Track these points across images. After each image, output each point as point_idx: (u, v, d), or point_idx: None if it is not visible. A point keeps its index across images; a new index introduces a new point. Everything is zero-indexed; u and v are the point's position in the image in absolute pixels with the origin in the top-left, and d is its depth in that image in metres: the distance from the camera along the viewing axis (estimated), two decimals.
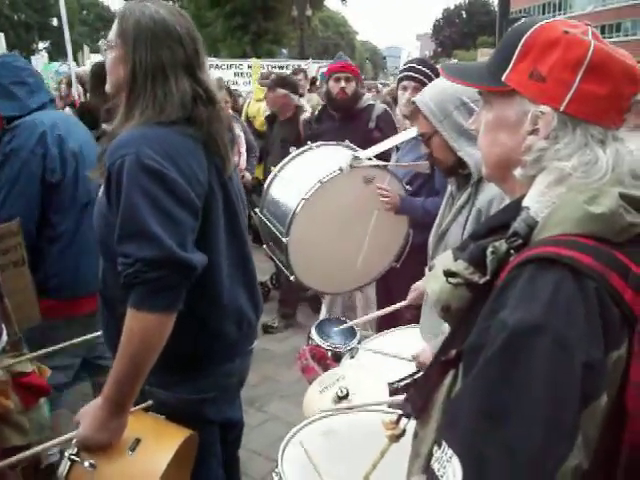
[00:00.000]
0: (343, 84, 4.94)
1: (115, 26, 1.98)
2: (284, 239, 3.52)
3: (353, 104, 4.97)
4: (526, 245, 1.08)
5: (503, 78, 1.18)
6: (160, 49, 1.91)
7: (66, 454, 1.82)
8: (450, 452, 0.97)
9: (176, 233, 1.79)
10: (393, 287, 3.83)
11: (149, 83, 1.91)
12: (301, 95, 7.99)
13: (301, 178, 3.67)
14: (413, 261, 3.58)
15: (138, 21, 1.92)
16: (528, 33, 1.16)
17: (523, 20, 1.22)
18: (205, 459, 2.11)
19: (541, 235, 1.07)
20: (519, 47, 1.16)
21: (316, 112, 5.88)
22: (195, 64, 1.98)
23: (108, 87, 2.04)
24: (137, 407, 1.94)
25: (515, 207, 1.16)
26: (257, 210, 3.98)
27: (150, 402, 1.99)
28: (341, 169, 3.47)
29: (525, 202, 1.13)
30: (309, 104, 7.00)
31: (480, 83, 1.25)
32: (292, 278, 3.69)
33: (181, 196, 1.83)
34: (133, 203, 1.78)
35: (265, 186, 3.95)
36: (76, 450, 1.82)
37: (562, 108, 1.11)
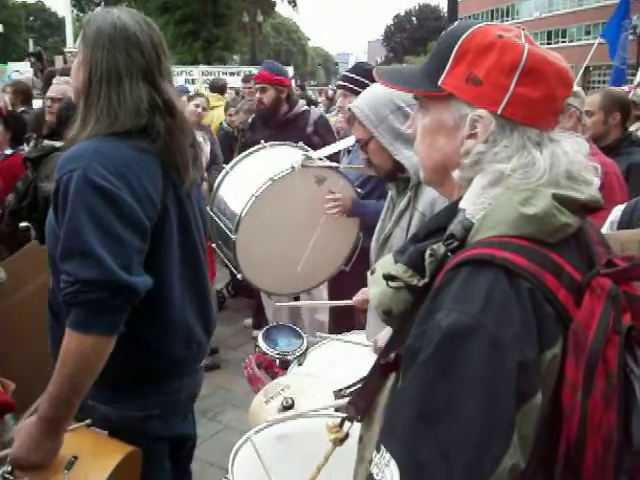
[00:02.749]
0: (258, 95, 5.05)
1: (80, 33, 1.96)
2: (232, 236, 3.48)
3: (274, 112, 5.01)
4: (462, 247, 1.09)
5: (439, 82, 1.18)
6: (117, 53, 1.87)
7: (0, 472, 1.77)
8: (388, 456, 0.97)
9: (120, 255, 1.73)
10: (344, 290, 3.84)
11: (104, 87, 1.87)
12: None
13: (252, 175, 3.64)
14: (363, 264, 3.59)
15: (99, 27, 1.90)
16: (463, 37, 1.16)
17: (456, 24, 1.22)
18: (154, 474, 2.06)
19: (477, 237, 1.08)
20: (454, 51, 1.16)
21: (249, 120, 5.92)
22: (156, 71, 1.94)
23: (72, 94, 2.01)
24: (76, 425, 1.89)
25: (453, 209, 1.16)
26: (207, 208, 3.93)
27: (89, 421, 1.94)
28: (293, 167, 3.46)
29: (462, 204, 1.13)
30: None
31: (416, 88, 1.24)
32: (239, 277, 3.65)
33: (129, 216, 1.77)
34: (77, 221, 1.73)
35: (216, 184, 3.91)
36: (10, 468, 1.76)
37: (499, 111, 1.12)
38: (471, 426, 0.92)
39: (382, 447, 1.00)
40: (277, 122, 5.00)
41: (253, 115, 5.80)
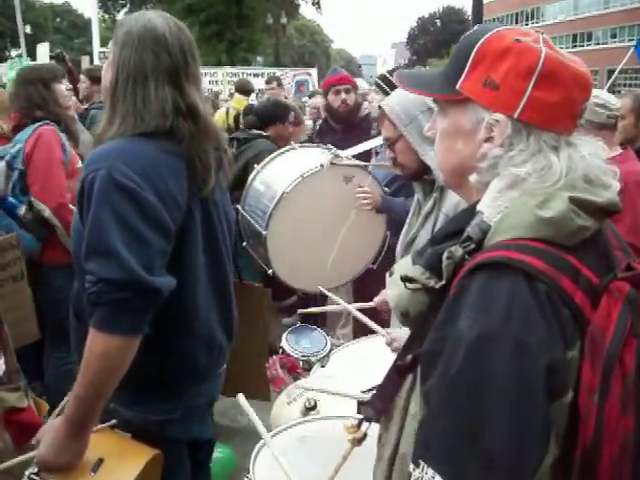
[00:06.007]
0: (344, 96, 5.02)
1: (113, 35, 1.99)
2: (264, 232, 3.58)
3: (355, 115, 5.06)
4: (479, 250, 1.09)
5: (457, 86, 1.18)
6: (144, 53, 1.89)
7: (26, 473, 1.76)
8: (431, 472, 0.98)
9: (143, 255, 1.73)
10: (370, 288, 3.83)
11: (129, 86, 1.88)
12: None
13: (283, 174, 3.77)
14: (390, 263, 3.59)
15: (130, 28, 1.92)
16: (480, 42, 1.16)
17: (475, 28, 1.23)
18: (174, 475, 2.06)
19: (493, 240, 1.09)
20: (472, 55, 1.17)
21: (317, 124, 6.02)
22: (182, 75, 1.94)
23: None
24: (101, 426, 1.89)
25: (471, 211, 1.17)
26: (238, 206, 3.99)
27: (114, 421, 1.94)
28: (322, 165, 3.58)
29: (479, 207, 1.14)
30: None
31: (434, 91, 1.26)
32: (270, 272, 3.72)
33: (153, 217, 1.77)
34: (101, 220, 1.73)
35: (247, 182, 4.01)
36: (36, 469, 1.76)
37: (516, 116, 1.13)
38: (509, 433, 0.93)
39: (422, 463, 1.00)
40: (345, 126, 5.06)
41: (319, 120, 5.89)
